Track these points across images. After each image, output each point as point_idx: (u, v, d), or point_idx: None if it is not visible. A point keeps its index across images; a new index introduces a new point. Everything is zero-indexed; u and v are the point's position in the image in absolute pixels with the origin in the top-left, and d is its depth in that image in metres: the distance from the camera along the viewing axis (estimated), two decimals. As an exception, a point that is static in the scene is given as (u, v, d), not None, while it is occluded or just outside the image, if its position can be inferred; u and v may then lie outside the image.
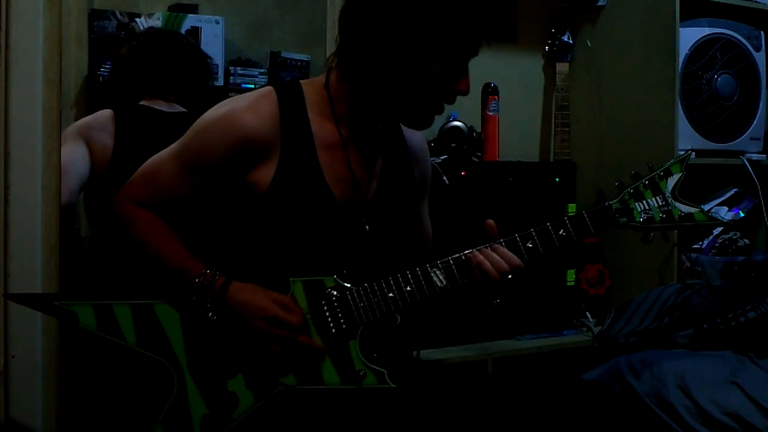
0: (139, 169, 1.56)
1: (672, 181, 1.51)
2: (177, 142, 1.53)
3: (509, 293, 1.48)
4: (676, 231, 2.77)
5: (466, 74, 1.49)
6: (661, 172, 1.52)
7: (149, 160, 1.56)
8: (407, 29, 1.40)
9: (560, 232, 1.48)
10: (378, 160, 1.59)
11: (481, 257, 1.45)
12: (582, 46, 3.15)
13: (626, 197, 1.51)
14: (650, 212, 1.50)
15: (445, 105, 1.52)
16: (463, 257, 1.47)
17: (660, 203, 1.51)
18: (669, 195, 1.51)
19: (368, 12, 1.43)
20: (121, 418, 1.59)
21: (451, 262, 1.47)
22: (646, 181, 1.51)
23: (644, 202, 1.50)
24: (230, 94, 2.51)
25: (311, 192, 1.50)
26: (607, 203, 1.51)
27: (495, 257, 1.45)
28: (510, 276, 1.44)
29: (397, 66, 1.43)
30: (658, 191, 1.51)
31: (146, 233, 1.51)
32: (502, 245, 1.47)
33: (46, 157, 1.56)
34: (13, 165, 1.53)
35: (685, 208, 1.50)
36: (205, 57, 2.35)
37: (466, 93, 1.50)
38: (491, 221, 1.49)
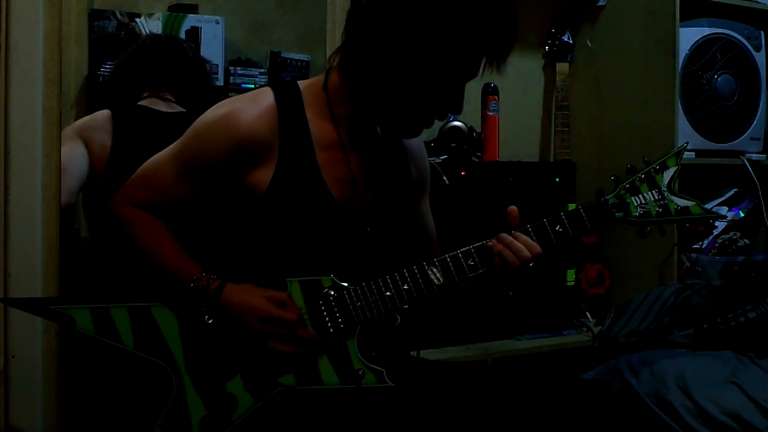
0: (138, 170, 1.56)
1: (668, 175, 1.50)
2: (175, 143, 1.53)
3: (524, 283, 1.47)
4: (675, 230, 2.78)
5: (461, 95, 1.49)
6: (656, 165, 1.50)
7: (147, 161, 1.56)
8: (413, 44, 1.39)
9: (557, 228, 1.47)
10: (376, 160, 1.59)
11: (500, 246, 1.45)
12: (582, 46, 3.15)
13: (622, 192, 1.49)
14: (647, 206, 1.49)
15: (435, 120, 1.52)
16: (459, 253, 1.47)
17: (656, 197, 1.49)
18: (665, 189, 1.49)
19: (376, 19, 1.41)
20: (120, 419, 1.59)
21: (448, 259, 1.47)
22: (642, 175, 1.50)
23: (640, 196, 1.49)
24: (230, 94, 2.52)
25: (310, 193, 1.49)
26: (603, 198, 1.50)
27: (517, 245, 1.45)
28: (531, 264, 1.44)
29: (397, 76, 1.42)
30: (654, 185, 1.49)
31: (144, 235, 1.52)
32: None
33: (45, 157, 1.56)
34: (13, 165, 1.53)
35: (682, 202, 1.49)
36: (204, 62, 2.37)
37: (458, 113, 1.50)
38: (514, 207, 1.48)
